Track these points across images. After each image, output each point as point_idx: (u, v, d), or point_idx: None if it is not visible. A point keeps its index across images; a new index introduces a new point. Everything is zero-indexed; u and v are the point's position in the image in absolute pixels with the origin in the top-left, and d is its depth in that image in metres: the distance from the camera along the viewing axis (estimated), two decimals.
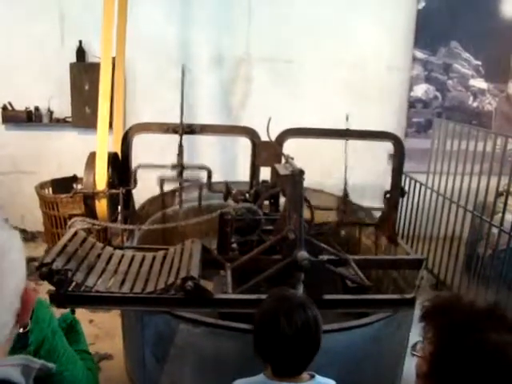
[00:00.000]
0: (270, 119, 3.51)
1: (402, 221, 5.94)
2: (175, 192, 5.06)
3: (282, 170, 3.16)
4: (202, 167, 4.33)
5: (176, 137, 4.93)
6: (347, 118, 4.00)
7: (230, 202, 4.07)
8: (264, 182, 4.12)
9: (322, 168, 5.82)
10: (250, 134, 4.13)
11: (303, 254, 2.90)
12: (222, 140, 6.12)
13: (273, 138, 3.93)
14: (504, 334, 1.08)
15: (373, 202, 5.09)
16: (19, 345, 1.37)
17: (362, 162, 6.21)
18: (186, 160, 6.36)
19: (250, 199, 4.00)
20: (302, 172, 2.92)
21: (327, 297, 2.91)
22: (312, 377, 1.85)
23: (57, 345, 1.50)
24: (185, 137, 5.81)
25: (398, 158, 4.16)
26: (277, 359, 1.81)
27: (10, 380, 1.07)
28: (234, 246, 3.74)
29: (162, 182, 4.25)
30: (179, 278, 2.86)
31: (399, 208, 5.76)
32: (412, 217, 5.83)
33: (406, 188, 5.92)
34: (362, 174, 6.13)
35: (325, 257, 3.04)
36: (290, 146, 4.69)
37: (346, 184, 4.09)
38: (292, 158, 3.37)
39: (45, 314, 1.49)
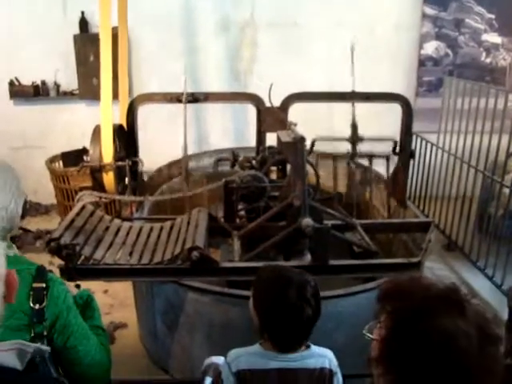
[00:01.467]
0: (271, 85, 3.45)
1: (414, 182, 5.88)
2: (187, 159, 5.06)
3: (284, 137, 3.13)
4: None
5: (191, 107, 4.90)
6: (352, 50, 3.93)
7: (237, 168, 4.08)
8: (270, 147, 4.09)
9: (334, 133, 5.74)
10: (255, 100, 4.08)
11: (307, 220, 2.90)
12: (232, 107, 6.07)
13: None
14: (457, 319, 1.02)
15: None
16: (36, 319, 1.46)
17: (372, 127, 6.15)
18: (196, 128, 6.47)
19: (256, 166, 3.99)
20: (303, 139, 2.89)
21: (333, 262, 2.91)
22: (308, 347, 1.85)
23: (71, 320, 1.56)
24: (196, 105, 5.83)
25: (406, 120, 4.08)
26: (282, 332, 1.77)
27: (1, 365, 1.13)
28: (242, 213, 3.77)
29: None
30: (185, 248, 2.90)
31: (410, 169, 5.76)
32: (423, 177, 5.75)
33: (417, 148, 5.84)
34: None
35: (329, 222, 3.03)
36: (299, 112, 4.68)
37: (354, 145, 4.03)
38: (295, 125, 3.33)
39: (60, 291, 1.56)
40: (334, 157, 4.35)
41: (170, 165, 5.11)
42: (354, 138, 4.11)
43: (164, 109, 4.86)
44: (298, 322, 1.73)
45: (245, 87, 5.92)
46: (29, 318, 1.45)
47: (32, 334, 1.45)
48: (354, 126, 4.08)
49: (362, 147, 4.36)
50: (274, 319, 1.75)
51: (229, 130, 6.25)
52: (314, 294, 1.78)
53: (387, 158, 4.24)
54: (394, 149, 4.09)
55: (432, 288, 1.12)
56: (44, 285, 1.50)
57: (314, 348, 1.85)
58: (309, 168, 3.52)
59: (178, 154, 4.41)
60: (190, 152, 5.17)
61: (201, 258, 2.84)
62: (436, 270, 4.81)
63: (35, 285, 1.49)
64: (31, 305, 1.46)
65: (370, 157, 4.26)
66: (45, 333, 1.47)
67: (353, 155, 4.14)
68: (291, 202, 3.19)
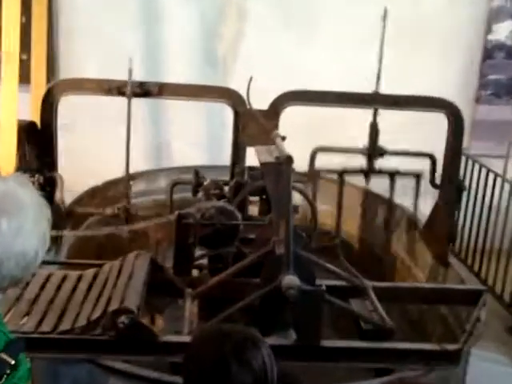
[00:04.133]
0: (251, 78, 3.50)
1: (464, 228, 5.92)
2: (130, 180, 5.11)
3: (264, 154, 3.18)
4: None
5: (144, 101, 4.93)
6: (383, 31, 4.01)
7: (201, 197, 4.11)
8: (252, 169, 4.13)
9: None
10: (232, 98, 4.13)
11: (290, 278, 2.91)
12: (207, 106, 6.13)
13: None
14: None
15: (424, 201, 5.07)
16: None
17: (407, 140, 6.21)
18: (152, 135, 6.52)
19: (228, 194, 4.02)
20: (289, 159, 2.93)
21: (326, 344, 2.94)
22: None
23: None
24: (154, 102, 5.90)
25: (454, 138, 4.15)
26: None
27: None
28: (201, 262, 3.80)
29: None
30: (109, 310, 2.90)
31: (460, 209, 5.82)
32: (481, 222, 5.78)
33: (474, 179, 5.89)
34: (407, 159, 6.10)
35: (325, 283, 3.04)
36: (298, 118, 4.72)
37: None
38: (283, 138, 3.38)
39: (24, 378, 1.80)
40: (341, 176, 4.39)
41: (106, 186, 5.12)
42: (373, 150, 4.18)
43: (105, 104, 4.92)
44: None
45: (224, 78, 5.98)
46: None
47: None
48: (374, 131, 4.12)
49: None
50: None
51: (200, 140, 6.31)
52: (267, 362, 1.88)
53: (417, 179, 4.28)
54: (433, 173, 4.13)
55: None
56: (13, 362, 1.71)
57: None
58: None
59: (120, 171, 4.48)
60: (139, 168, 5.23)
61: (131, 327, 2.85)
62: (493, 363, 4.81)
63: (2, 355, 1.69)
64: None
65: (393, 175, 4.31)
66: None
67: (368, 172, 4.20)
68: (272, 249, 3.21)
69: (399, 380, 2.88)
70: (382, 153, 4.29)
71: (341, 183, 4.50)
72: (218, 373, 1.86)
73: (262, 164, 3.14)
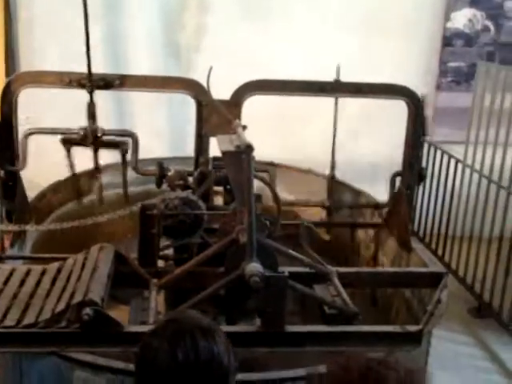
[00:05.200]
0: (210, 68, 3.50)
1: (428, 213, 6.02)
2: (94, 174, 5.08)
3: (225, 143, 3.20)
4: (123, 133, 4.34)
5: (107, 94, 4.87)
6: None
7: (166, 188, 4.11)
8: (216, 159, 4.14)
9: (316, 138, 5.84)
10: (194, 89, 4.13)
11: (253, 266, 2.93)
12: (170, 98, 6.11)
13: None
14: None
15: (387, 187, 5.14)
16: None
17: (373, 129, 6.27)
18: (116, 126, 6.45)
19: (193, 185, 4.03)
20: (250, 148, 2.95)
21: (290, 329, 2.97)
22: None
23: None
24: (117, 95, 5.86)
25: (414, 125, 4.19)
26: None
27: None
28: (166, 252, 3.82)
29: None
30: (73, 302, 2.89)
31: (421, 195, 5.90)
32: (443, 208, 5.88)
33: (437, 166, 5.97)
34: (373, 146, 6.16)
35: (288, 269, 3.07)
36: (267, 108, 4.75)
37: (333, 163, 4.13)
38: (244, 127, 3.40)
39: None
40: None
41: (71, 179, 5.08)
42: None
43: (69, 96, 4.88)
44: None
45: (187, 70, 5.98)
46: None
47: None
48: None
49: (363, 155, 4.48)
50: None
51: (164, 131, 6.30)
52: (206, 355, 1.86)
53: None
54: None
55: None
56: None
57: None
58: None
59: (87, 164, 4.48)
60: (102, 161, 5.19)
61: (96, 319, 2.84)
62: (457, 344, 4.90)
63: None
64: None
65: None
66: None
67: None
68: (236, 237, 3.23)
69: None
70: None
71: None
72: (167, 363, 1.86)
73: (222, 153, 3.15)
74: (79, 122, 4.39)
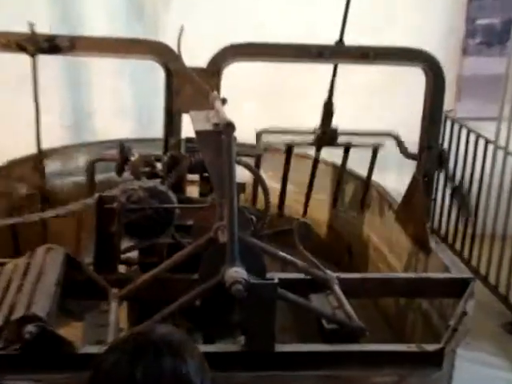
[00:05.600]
0: (182, 28, 3.49)
1: (453, 205, 6.02)
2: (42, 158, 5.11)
3: (200, 122, 3.17)
4: None
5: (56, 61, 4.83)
6: None
7: (129, 176, 4.10)
8: (189, 140, 4.14)
9: (315, 116, 5.85)
10: (163, 54, 4.11)
11: (235, 271, 2.92)
12: (136, 66, 6.11)
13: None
14: None
15: (400, 174, 5.17)
16: None
17: (384, 103, 6.27)
18: (70, 102, 6.47)
19: (162, 172, 4.02)
20: (231, 126, 2.92)
21: (281, 348, 2.95)
22: None
23: None
24: (71, 63, 5.83)
25: (433, 97, 4.19)
26: None
27: None
28: (130, 255, 3.81)
29: None
30: (12, 318, 2.86)
31: (442, 184, 5.92)
32: (471, 201, 5.89)
33: (462, 147, 5.98)
34: (384, 125, 6.15)
35: (278, 276, 3.06)
36: (257, 78, 4.73)
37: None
38: (224, 100, 3.37)
39: None
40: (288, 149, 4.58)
41: (11, 166, 5.09)
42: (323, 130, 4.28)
43: (9, 64, 4.89)
44: None
45: (155, 33, 5.94)
46: None
47: None
48: (328, 111, 4.23)
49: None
50: None
51: (126, 107, 6.29)
52: (170, 376, 1.85)
53: (374, 152, 4.50)
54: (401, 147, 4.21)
55: None
56: None
57: None
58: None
59: (30, 147, 4.50)
60: (53, 143, 5.20)
61: (41, 337, 2.81)
62: (488, 367, 4.91)
63: None
64: None
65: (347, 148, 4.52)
66: None
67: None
68: (214, 236, 3.22)
69: None
70: (333, 137, 4.49)
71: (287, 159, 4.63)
72: (123, 382, 1.85)
73: (197, 133, 3.11)
74: (22, 93, 4.41)
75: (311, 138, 4.62)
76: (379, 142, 4.64)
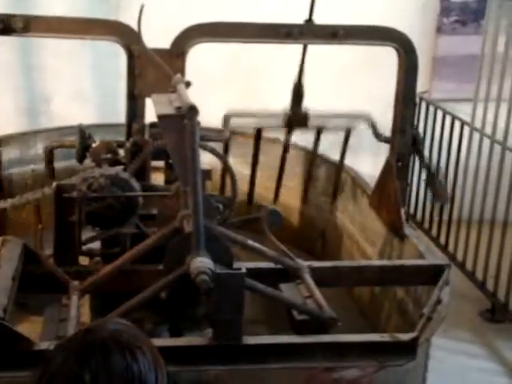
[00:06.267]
0: (142, 7, 3.48)
1: (428, 191, 6.04)
2: None
3: (162, 105, 3.17)
4: None
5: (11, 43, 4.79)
6: None
7: (89, 163, 4.09)
8: (154, 125, 4.13)
9: (286, 98, 5.86)
10: (123, 35, 4.08)
11: (201, 261, 2.93)
12: (96, 48, 6.07)
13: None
14: None
15: (375, 157, 5.19)
16: None
17: (358, 84, 6.27)
18: (26, 86, 6.42)
19: (124, 159, 4.01)
20: (194, 110, 2.93)
21: (250, 341, 2.96)
22: None
23: None
24: (26, 43, 5.78)
25: (406, 78, 4.19)
26: None
27: None
28: (91, 246, 3.79)
29: None
30: None
31: (417, 167, 5.93)
32: (447, 183, 5.91)
33: (437, 129, 6.01)
34: (358, 107, 6.17)
35: (245, 266, 3.08)
36: (225, 59, 4.72)
37: None
38: (188, 83, 3.37)
39: None
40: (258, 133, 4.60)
41: None
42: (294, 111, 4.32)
43: None
44: None
45: (116, 10, 5.93)
46: None
47: None
48: (298, 90, 4.26)
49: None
50: None
51: (87, 91, 6.26)
52: (121, 374, 1.85)
53: (347, 135, 4.54)
54: (375, 129, 4.23)
55: None
56: None
57: None
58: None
59: None
60: (9, 130, 5.18)
61: None
62: (465, 356, 4.94)
63: None
64: None
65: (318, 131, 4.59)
66: None
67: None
68: (179, 226, 3.23)
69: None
70: (305, 119, 4.51)
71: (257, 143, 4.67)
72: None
73: (158, 117, 3.10)
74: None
75: (281, 120, 4.61)
76: (352, 125, 4.63)
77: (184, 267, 2.98)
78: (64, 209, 3.53)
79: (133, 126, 4.21)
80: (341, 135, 4.83)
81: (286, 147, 4.95)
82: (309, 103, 4.58)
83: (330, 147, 5.09)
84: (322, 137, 4.86)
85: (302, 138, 5.07)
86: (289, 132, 4.66)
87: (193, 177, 2.98)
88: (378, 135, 4.44)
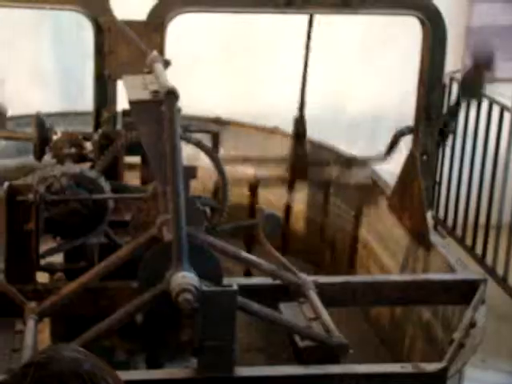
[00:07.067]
0: None
1: (462, 190, 6.07)
2: None
3: (135, 89, 3.18)
4: None
5: None
6: None
7: (49, 160, 4.09)
8: (127, 113, 4.14)
9: (285, 80, 5.89)
10: (90, 4, 4.10)
11: (184, 276, 2.93)
12: (57, 18, 6.09)
13: None
14: None
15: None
16: None
17: (372, 66, 6.29)
18: None
19: (92, 154, 4.02)
20: (173, 94, 2.92)
21: (243, 372, 2.96)
22: None
23: None
24: None
25: (432, 56, 4.20)
26: None
27: None
28: (54, 260, 3.80)
29: None
30: None
31: (448, 163, 5.95)
32: (484, 183, 5.93)
33: (472, 117, 6.02)
34: (373, 93, 6.20)
35: (236, 282, 3.07)
36: (214, 35, 4.74)
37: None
38: (167, 63, 3.38)
39: None
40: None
41: None
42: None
43: None
44: None
45: None
46: None
47: None
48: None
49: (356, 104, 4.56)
50: None
51: (49, 73, 6.27)
52: None
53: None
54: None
55: None
56: None
57: None
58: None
59: None
60: None
61: None
62: None
63: None
64: None
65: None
66: None
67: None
68: (158, 234, 3.23)
69: None
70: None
71: None
72: None
73: (131, 103, 3.11)
74: None
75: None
76: None
77: (163, 284, 2.98)
78: (17, 214, 3.52)
79: (102, 114, 4.22)
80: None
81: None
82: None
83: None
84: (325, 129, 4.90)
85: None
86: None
87: (173, 175, 2.98)
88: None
